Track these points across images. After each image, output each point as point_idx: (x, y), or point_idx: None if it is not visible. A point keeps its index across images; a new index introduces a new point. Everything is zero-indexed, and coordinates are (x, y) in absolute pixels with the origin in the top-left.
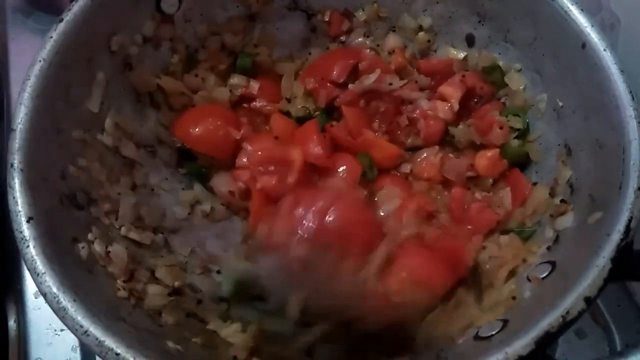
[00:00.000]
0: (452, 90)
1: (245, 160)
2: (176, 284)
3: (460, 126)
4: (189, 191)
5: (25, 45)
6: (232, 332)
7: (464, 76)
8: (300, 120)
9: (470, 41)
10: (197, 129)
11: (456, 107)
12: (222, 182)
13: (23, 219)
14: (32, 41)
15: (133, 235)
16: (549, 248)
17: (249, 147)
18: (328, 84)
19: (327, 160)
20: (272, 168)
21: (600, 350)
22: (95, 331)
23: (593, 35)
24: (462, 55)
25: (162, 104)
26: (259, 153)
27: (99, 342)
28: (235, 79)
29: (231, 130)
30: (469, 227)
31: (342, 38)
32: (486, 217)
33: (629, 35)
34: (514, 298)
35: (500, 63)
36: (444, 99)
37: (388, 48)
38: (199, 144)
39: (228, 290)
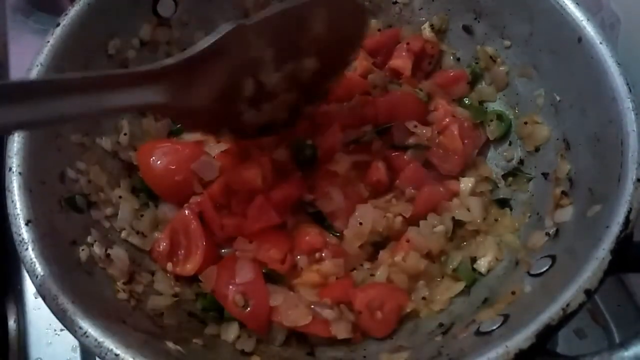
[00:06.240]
0: (402, 62)
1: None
2: (176, 289)
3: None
4: None
5: (25, 45)
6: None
7: (408, 43)
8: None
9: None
10: (156, 173)
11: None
12: (172, 211)
13: (22, 222)
14: (32, 42)
15: (133, 239)
16: (548, 242)
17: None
18: None
19: None
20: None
21: None
22: (95, 332)
23: (589, 29)
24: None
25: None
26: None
27: (99, 343)
28: None
29: (195, 184)
30: None
31: None
32: None
33: (629, 34)
34: (513, 293)
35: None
36: (397, 73)
37: None
38: (154, 184)
39: None
